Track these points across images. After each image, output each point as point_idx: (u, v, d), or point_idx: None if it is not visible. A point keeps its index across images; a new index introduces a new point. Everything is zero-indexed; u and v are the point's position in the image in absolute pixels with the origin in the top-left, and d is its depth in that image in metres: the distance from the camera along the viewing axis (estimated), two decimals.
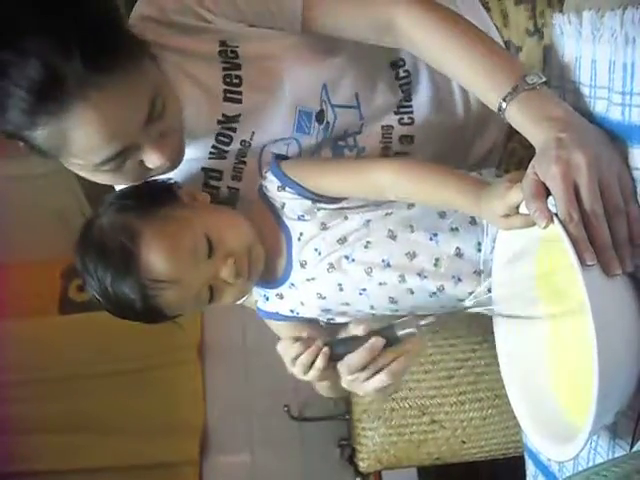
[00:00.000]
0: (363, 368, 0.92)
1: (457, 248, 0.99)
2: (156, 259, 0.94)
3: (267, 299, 1.10)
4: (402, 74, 1.15)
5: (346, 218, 1.02)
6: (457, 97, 1.16)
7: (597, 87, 0.79)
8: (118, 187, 1.07)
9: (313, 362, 0.92)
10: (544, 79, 0.85)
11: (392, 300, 1.03)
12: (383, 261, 1.01)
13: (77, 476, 2.17)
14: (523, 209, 0.79)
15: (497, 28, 1.16)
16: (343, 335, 0.97)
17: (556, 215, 0.73)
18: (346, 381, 0.95)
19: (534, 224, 0.76)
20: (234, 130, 1.07)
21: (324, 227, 1.03)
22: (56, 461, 2.17)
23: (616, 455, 0.80)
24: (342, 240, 1.02)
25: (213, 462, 2.32)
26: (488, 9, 1.17)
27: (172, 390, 2.25)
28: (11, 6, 0.82)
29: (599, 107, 0.79)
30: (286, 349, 0.94)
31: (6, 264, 2.33)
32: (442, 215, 1.01)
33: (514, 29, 1.17)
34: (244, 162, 1.10)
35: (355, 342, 0.92)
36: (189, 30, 1.02)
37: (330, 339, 0.96)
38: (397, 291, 1.02)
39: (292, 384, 1.00)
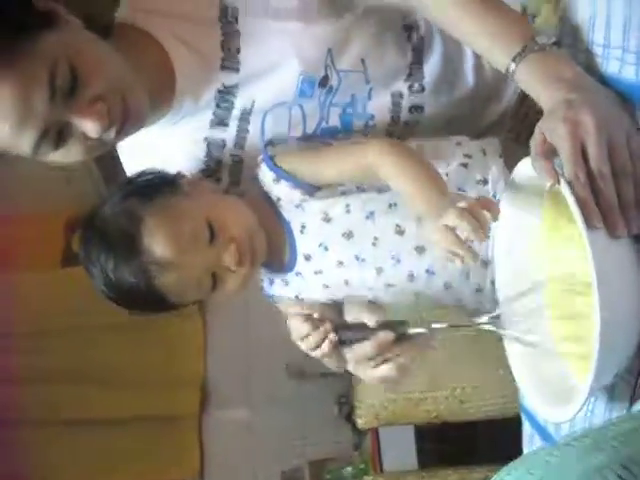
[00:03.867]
0: (370, 358, 0.93)
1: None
2: (157, 242, 0.94)
3: (272, 282, 1.09)
4: (415, 38, 1.13)
5: (348, 211, 1.01)
6: (469, 65, 1.14)
7: (611, 47, 0.78)
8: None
9: (321, 343, 0.94)
10: (553, 39, 0.84)
11: (396, 299, 1.04)
12: (393, 257, 1.00)
13: (77, 426, 2.20)
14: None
15: None
16: (352, 316, 0.98)
17: (562, 175, 0.73)
18: (352, 366, 0.96)
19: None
20: (234, 95, 1.05)
21: (326, 218, 1.01)
22: (58, 411, 2.19)
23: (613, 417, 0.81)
24: (348, 235, 1.01)
25: (212, 416, 2.34)
26: None
27: (174, 344, 2.26)
28: None
29: (612, 67, 0.78)
30: (296, 326, 0.95)
31: (9, 216, 2.33)
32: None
33: None
34: (247, 130, 1.08)
35: (364, 331, 0.92)
36: None
37: (339, 322, 0.97)
38: (403, 293, 1.02)
39: (293, 341, 1.01)
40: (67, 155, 0.93)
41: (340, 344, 0.94)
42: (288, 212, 1.03)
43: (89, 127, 0.89)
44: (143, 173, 1.02)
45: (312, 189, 1.02)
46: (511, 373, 0.90)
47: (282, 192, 1.02)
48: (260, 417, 2.35)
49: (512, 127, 1.22)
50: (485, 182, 1.00)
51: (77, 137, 0.91)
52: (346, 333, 0.94)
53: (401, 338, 0.92)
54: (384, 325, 0.92)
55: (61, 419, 2.19)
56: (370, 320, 0.93)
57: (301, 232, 1.03)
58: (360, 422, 1.62)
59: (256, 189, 1.06)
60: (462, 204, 0.83)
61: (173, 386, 2.25)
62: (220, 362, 2.34)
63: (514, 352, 0.90)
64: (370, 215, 1.00)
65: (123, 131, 0.94)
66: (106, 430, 2.20)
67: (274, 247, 1.04)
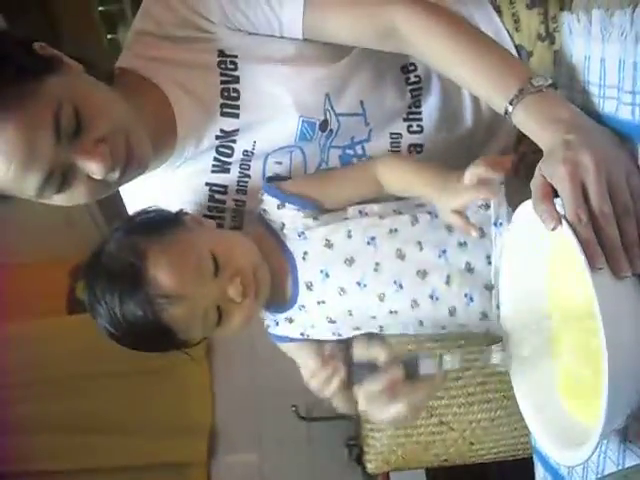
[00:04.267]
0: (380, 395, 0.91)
1: (467, 262, 0.98)
2: (162, 274, 0.93)
3: (277, 324, 1.09)
4: (413, 79, 1.14)
5: (349, 237, 1.01)
6: (467, 105, 1.15)
7: (606, 86, 0.78)
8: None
9: (331, 379, 0.95)
10: (550, 81, 0.84)
11: (403, 327, 1.03)
12: (395, 282, 1.00)
13: (85, 476, 2.18)
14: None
15: (508, 32, 1.15)
16: (362, 351, 0.96)
17: (564, 217, 0.72)
18: (362, 406, 0.94)
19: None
20: (234, 141, 1.06)
21: (328, 244, 1.02)
22: (64, 461, 2.18)
23: (627, 459, 0.79)
24: (349, 261, 1.01)
25: (221, 462, 2.32)
26: (500, 13, 1.15)
27: (180, 390, 2.25)
28: None
29: (608, 107, 0.78)
30: (305, 364, 0.97)
31: (13, 264, 2.33)
32: (450, 229, 1.00)
33: (525, 33, 1.15)
34: (248, 175, 1.09)
35: (374, 368, 0.91)
36: (187, 41, 1.02)
37: (350, 359, 0.96)
38: (408, 320, 1.02)
39: (300, 384, 1.00)
40: (71, 197, 0.94)
41: (350, 381, 0.93)
42: (291, 242, 1.04)
43: (93, 168, 0.90)
44: (145, 211, 1.03)
45: (317, 211, 1.02)
46: (520, 413, 0.89)
47: (287, 217, 1.03)
48: (269, 461, 2.33)
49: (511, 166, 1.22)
50: (487, 207, 1.00)
51: (81, 179, 0.92)
52: (356, 370, 0.93)
53: (411, 374, 0.90)
54: (394, 360, 0.91)
55: (64, 469, 2.17)
56: (380, 355, 0.92)
57: (303, 259, 1.03)
58: (370, 467, 1.60)
59: (258, 225, 1.07)
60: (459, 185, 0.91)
61: (181, 433, 2.23)
62: (228, 407, 2.33)
63: (524, 395, 0.89)
64: (371, 240, 1.01)
65: (127, 172, 0.95)
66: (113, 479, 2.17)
67: (277, 281, 1.04)
